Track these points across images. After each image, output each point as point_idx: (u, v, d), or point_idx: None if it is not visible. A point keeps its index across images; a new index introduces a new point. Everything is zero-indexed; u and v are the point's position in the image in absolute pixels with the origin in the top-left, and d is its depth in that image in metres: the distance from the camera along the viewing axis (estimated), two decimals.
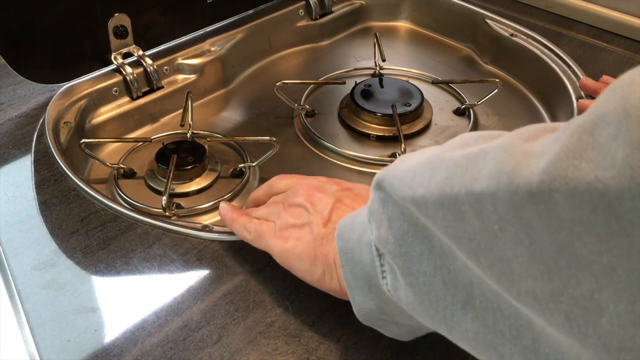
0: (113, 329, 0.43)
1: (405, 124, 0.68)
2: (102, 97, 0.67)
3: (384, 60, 0.79)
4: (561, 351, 0.26)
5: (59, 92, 0.65)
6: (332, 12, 0.87)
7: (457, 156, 0.28)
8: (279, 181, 0.50)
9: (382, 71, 0.79)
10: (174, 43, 0.73)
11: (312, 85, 0.76)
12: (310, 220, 0.43)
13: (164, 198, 0.56)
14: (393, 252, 0.33)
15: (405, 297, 0.34)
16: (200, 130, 0.67)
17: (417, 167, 0.31)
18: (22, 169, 0.57)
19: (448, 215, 0.28)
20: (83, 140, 0.60)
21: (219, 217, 0.58)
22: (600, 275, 0.22)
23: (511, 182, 0.24)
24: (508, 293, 0.26)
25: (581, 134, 0.22)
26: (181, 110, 0.68)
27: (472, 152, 0.28)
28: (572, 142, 0.23)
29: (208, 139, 0.64)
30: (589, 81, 0.69)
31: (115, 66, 0.68)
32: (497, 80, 0.73)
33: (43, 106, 0.64)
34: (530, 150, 0.25)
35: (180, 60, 0.72)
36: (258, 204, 0.51)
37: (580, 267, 0.23)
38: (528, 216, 0.24)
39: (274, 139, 0.60)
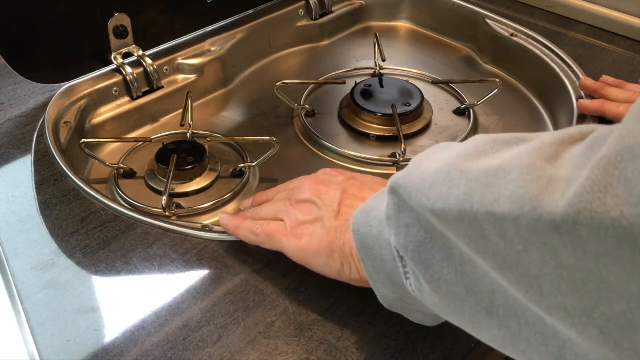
0: (113, 329, 0.43)
1: (405, 124, 0.68)
2: (102, 97, 0.67)
3: (384, 60, 0.79)
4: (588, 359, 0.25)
5: (59, 92, 0.65)
6: (332, 12, 0.87)
7: (477, 171, 0.28)
8: (287, 185, 0.51)
9: (382, 71, 0.79)
10: (174, 43, 0.73)
11: (312, 85, 0.76)
12: (320, 215, 0.43)
13: (164, 198, 0.56)
14: (413, 258, 0.33)
15: (431, 299, 0.34)
16: (201, 130, 0.67)
17: (434, 176, 0.31)
18: (22, 169, 0.57)
19: (469, 231, 0.28)
20: (83, 140, 0.60)
21: (218, 217, 0.58)
22: (630, 299, 0.22)
23: (535, 210, 0.24)
24: (537, 306, 0.26)
25: (607, 166, 0.22)
26: (181, 110, 0.68)
27: (492, 169, 0.28)
28: (598, 174, 0.22)
29: (208, 139, 0.64)
30: (589, 81, 0.69)
31: (115, 66, 0.68)
32: (497, 80, 0.72)
33: (43, 106, 0.64)
34: (554, 174, 0.25)
35: (180, 60, 0.72)
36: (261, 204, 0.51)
37: (610, 291, 0.23)
38: (553, 244, 0.24)
39: (274, 139, 0.60)
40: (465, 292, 0.31)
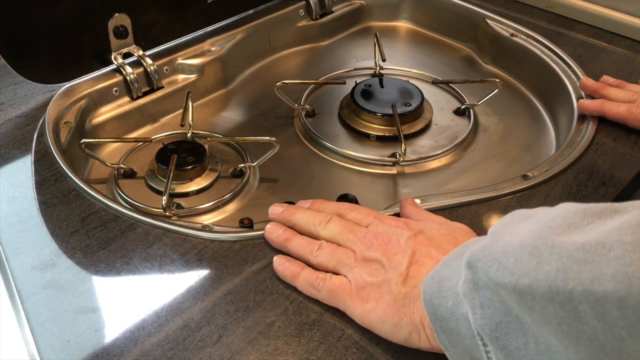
0: (113, 329, 0.43)
1: (405, 124, 0.68)
2: (102, 97, 0.67)
3: (384, 60, 0.79)
4: None
5: (59, 92, 0.65)
6: (332, 12, 0.87)
7: (571, 245, 0.26)
8: (349, 212, 0.48)
9: (382, 71, 0.79)
10: (174, 43, 0.73)
11: (312, 85, 0.76)
12: (387, 278, 0.41)
13: (164, 198, 0.56)
14: (492, 342, 0.31)
15: None
16: (201, 130, 0.67)
17: (519, 250, 0.29)
18: (23, 169, 0.57)
19: (561, 312, 0.26)
20: (83, 140, 0.60)
21: (219, 217, 0.58)
22: None
23: None
24: None
25: None
26: (181, 110, 0.68)
27: (590, 245, 0.26)
28: None
29: (208, 139, 0.64)
30: (589, 81, 0.69)
31: (115, 66, 0.68)
32: (498, 80, 0.72)
33: (43, 106, 0.64)
34: None
35: (180, 60, 0.72)
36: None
37: None
38: None
39: (274, 139, 0.60)
40: None
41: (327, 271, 0.45)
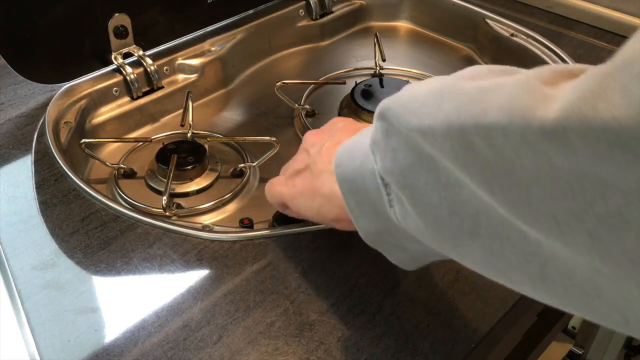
0: (113, 329, 0.43)
1: None
2: (103, 97, 0.67)
3: (384, 60, 0.79)
4: (569, 276, 0.25)
5: (59, 92, 0.65)
6: (332, 12, 0.87)
7: (469, 87, 0.28)
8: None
9: (382, 71, 0.79)
10: (174, 43, 0.73)
11: (312, 85, 0.76)
12: (309, 162, 0.45)
13: (164, 198, 0.56)
14: (399, 182, 0.33)
15: (415, 225, 0.34)
16: (201, 130, 0.67)
17: (426, 96, 0.30)
18: (23, 169, 0.57)
19: (456, 145, 0.28)
20: (83, 140, 0.60)
21: (219, 217, 0.58)
22: (628, 191, 0.21)
23: (524, 119, 0.24)
24: (523, 219, 0.26)
25: (603, 78, 0.22)
26: (181, 110, 0.68)
27: (485, 85, 0.27)
28: (592, 84, 0.22)
29: (208, 139, 0.64)
30: None
31: (115, 66, 0.68)
32: None
33: (43, 106, 0.64)
34: (549, 92, 0.24)
35: (180, 60, 0.72)
36: None
37: (606, 186, 0.22)
38: (544, 149, 0.23)
39: (274, 139, 0.60)
40: (449, 215, 0.30)
41: None
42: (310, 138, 0.48)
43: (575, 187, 0.23)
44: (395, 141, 0.33)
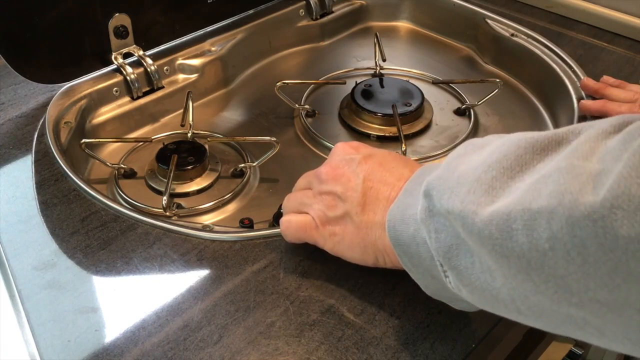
0: (114, 329, 0.43)
1: (405, 124, 0.68)
2: (103, 97, 0.67)
3: (384, 60, 0.79)
4: (623, 335, 0.26)
5: (59, 92, 0.65)
6: (332, 12, 0.87)
7: (520, 184, 0.29)
8: (305, 176, 0.50)
9: (382, 71, 0.79)
10: (174, 43, 0.73)
11: (312, 85, 0.76)
12: (347, 210, 0.43)
13: (165, 198, 0.56)
14: (445, 263, 0.34)
15: (470, 297, 0.34)
16: (201, 130, 0.67)
17: (474, 184, 0.31)
18: (23, 169, 0.57)
19: (495, 232, 0.29)
20: (83, 140, 0.60)
21: (219, 217, 0.58)
22: None
23: (574, 200, 0.25)
24: (567, 302, 0.27)
25: None
26: (181, 111, 0.68)
27: (533, 180, 0.28)
28: (635, 161, 0.23)
29: (208, 139, 0.64)
30: (590, 81, 0.69)
31: (115, 66, 0.68)
32: (498, 80, 0.72)
33: (43, 106, 0.64)
34: (592, 169, 0.25)
35: (180, 60, 0.72)
36: None
37: (637, 282, 0.23)
38: (583, 234, 0.24)
39: (275, 139, 0.60)
40: (493, 298, 0.32)
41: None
42: (329, 176, 0.45)
43: (607, 282, 0.24)
44: (437, 222, 0.34)
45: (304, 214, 0.46)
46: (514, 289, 0.30)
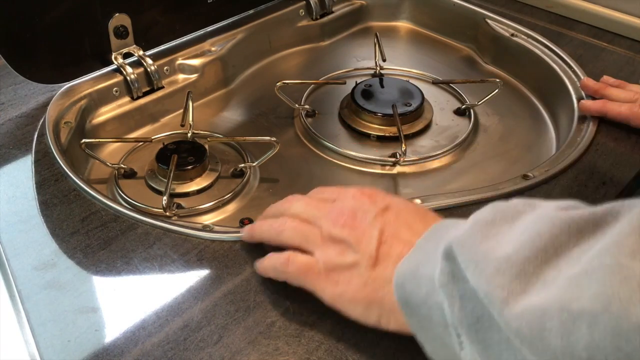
0: (114, 329, 0.43)
1: (405, 124, 0.68)
2: (103, 97, 0.67)
3: (384, 60, 0.79)
4: None
5: (59, 92, 0.65)
6: (332, 12, 0.87)
7: (560, 276, 0.27)
8: (316, 194, 0.47)
9: (382, 71, 0.79)
10: (174, 43, 0.73)
11: (312, 85, 0.76)
12: (357, 261, 0.40)
13: (165, 198, 0.56)
14: (469, 335, 0.31)
15: None
16: (201, 130, 0.67)
17: (504, 265, 0.28)
18: (23, 169, 0.57)
19: (525, 329, 0.26)
20: (83, 140, 0.60)
21: (219, 217, 0.58)
22: None
23: (624, 309, 0.23)
24: None
25: None
26: (181, 111, 0.68)
27: (575, 274, 0.26)
28: None
29: (208, 139, 0.64)
30: (590, 82, 0.69)
31: (115, 66, 0.68)
32: (498, 80, 0.72)
33: (43, 106, 0.64)
34: None
35: (180, 60, 0.72)
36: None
37: None
38: (629, 348, 0.22)
39: (275, 139, 0.60)
40: None
41: (293, 249, 0.44)
42: (343, 221, 0.42)
43: None
44: (463, 288, 0.31)
45: (307, 254, 0.43)
46: None
